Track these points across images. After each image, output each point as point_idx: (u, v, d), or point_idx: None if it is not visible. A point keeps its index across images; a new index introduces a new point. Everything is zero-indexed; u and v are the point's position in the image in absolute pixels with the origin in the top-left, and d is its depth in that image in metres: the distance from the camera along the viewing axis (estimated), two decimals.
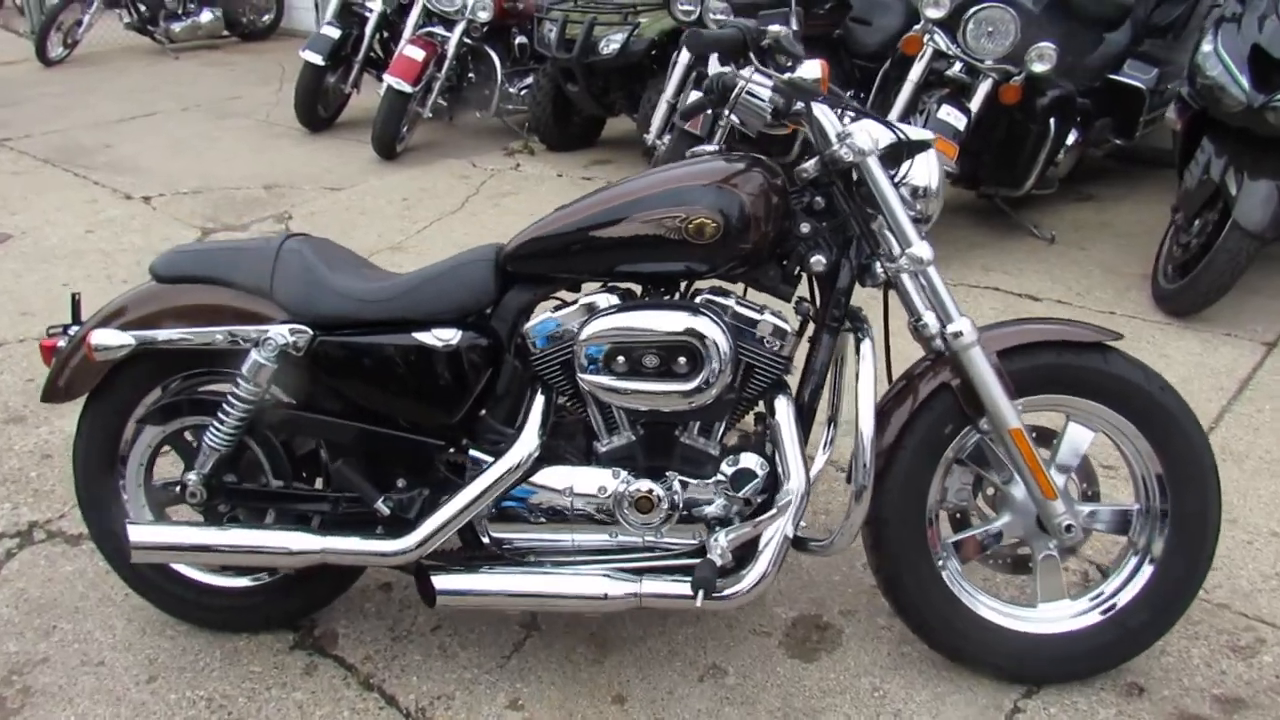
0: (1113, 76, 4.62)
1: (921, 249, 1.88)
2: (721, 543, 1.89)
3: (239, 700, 2.09)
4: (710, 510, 1.98)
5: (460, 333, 1.97)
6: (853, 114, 1.92)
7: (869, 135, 1.87)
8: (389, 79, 5.64)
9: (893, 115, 4.09)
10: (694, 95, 4.47)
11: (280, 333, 1.96)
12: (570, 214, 1.96)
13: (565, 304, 2.01)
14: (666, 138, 4.66)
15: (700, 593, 1.82)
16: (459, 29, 5.75)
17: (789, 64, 1.98)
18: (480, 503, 1.95)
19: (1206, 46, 3.45)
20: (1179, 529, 1.99)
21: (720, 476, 1.96)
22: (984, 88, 4.07)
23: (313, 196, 5.36)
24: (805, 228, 1.95)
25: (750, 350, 1.93)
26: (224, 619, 2.24)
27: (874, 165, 1.87)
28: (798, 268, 1.98)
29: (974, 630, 2.04)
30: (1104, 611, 2.04)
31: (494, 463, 1.96)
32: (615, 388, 1.91)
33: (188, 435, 2.13)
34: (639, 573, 1.97)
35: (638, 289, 2.03)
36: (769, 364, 1.95)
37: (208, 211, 5.14)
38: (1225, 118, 3.41)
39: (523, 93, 6.25)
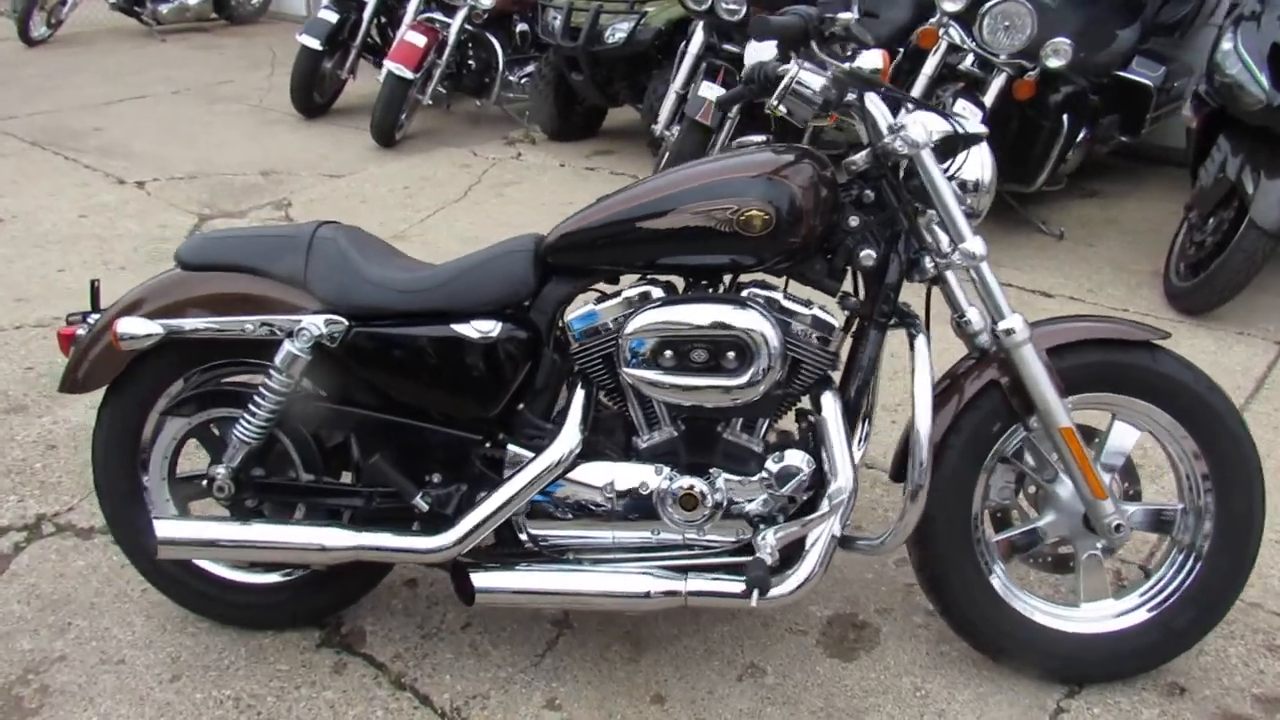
0: (1120, 74, 4.62)
1: (975, 244, 1.85)
2: (770, 541, 1.86)
3: (267, 700, 2.04)
4: (753, 508, 1.94)
5: (499, 325, 1.93)
6: (909, 105, 1.88)
7: (923, 127, 1.83)
8: (390, 65, 5.55)
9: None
10: (705, 86, 4.42)
11: (315, 323, 1.90)
12: (615, 205, 1.91)
13: (605, 296, 1.97)
14: (675, 128, 4.60)
15: (755, 592, 1.79)
16: (461, 15, 5.67)
17: (849, 52, 1.94)
18: (520, 499, 1.91)
19: (1226, 45, 3.44)
20: (1224, 529, 1.98)
21: (765, 473, 1.93)
22: (998, 82, 4.05)
23: (311, 183, 5.27)
24: (853, 221, 1.91)
25: (798, 345, 1.89)
26: (249, 616, 2.19)
27: (928, 158, 1.84)
28: (844, 262, 1.95)
29: (1019, 630, 2.02)
30: (1150, 610, 2.02)
31: (535, 458, 1.92)
32: (661, 382, 1.87)
33: (214, 428, 2.07)
34: (682, 571, 1.93)
35: (679, 281, 1.99)
36: (816, 360, 1.91)
37: (204, 197, 5.04)
38: (1244, 116, 3.40)
39: (523, 81, 6.18)
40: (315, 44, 5.97)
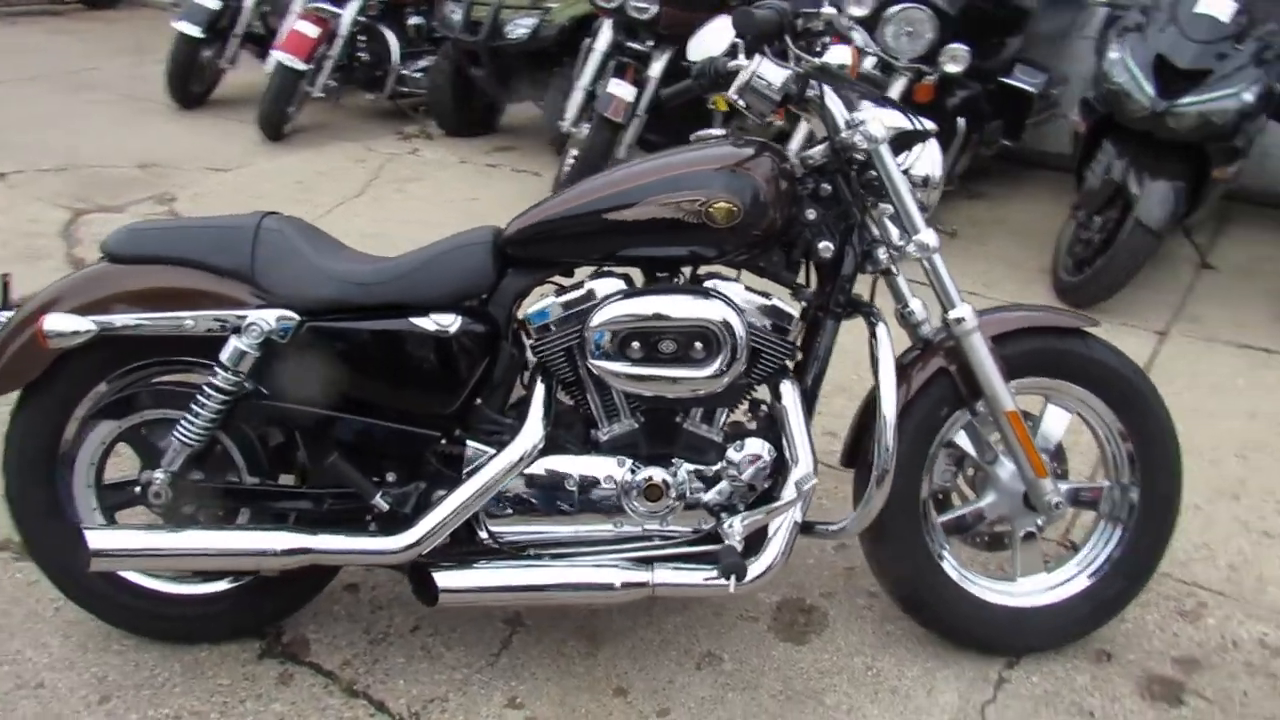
0: (1005, 80, 4.85)
1: (928, 236, 1.92)
2: (738, 528, 1.88)
3: (210, 716, 1.94)
4: (714, 497, 1.96)
5: (458, 318, 1.89)
6: (871, 101, 1.93)
7: (881, 123, 1.89)
8: (279, 55, 5.35)
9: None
10: (614, 83, 4.42)
11: (264, 318, 1.82)
12: (578, 197, 1.90)
13: (563, 289, 1.96)
14: (583, 125, 4.59)
15: (733, 578, 1.80)
16: (353, 6, 5.51)
17: (818, 48, 1.97)
18: (484, 496, 1.87)
19: (1114, 54, 3.66)
20: (1148, 504, 2.11)
21: (727, 463, 1.95)
22: (898, 86, 4.19)
23: (196, 177, 5.02)
24: (811, 214, 1.95)
25: (759, 336, 1.92)
26: (185, 630, 2.07)
27: (886, 153, 1.89)
28: (801, 254, 1.99)
29: (967, 607, 2.10)
30: (1084, 581, 2.13)
31: (496, 454, 1.89)
32: (627, 374, 1.86)
33: (145, 431, 1.95)
34: (647, 562, 1.93)
35: (635, 273, 1.99)
36: (776, 349, 1.95)
37: (76, 191, 4.75)
38: (1130, 122, 3.63)
39: (417, 75, 6.04)
40: (194, 31, 5.71)
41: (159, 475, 1.89)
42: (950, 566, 2.11)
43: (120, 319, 1.82)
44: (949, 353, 2.01)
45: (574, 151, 4.71)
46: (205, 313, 1.84)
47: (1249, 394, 3.35)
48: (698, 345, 1.85)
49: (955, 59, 3.98)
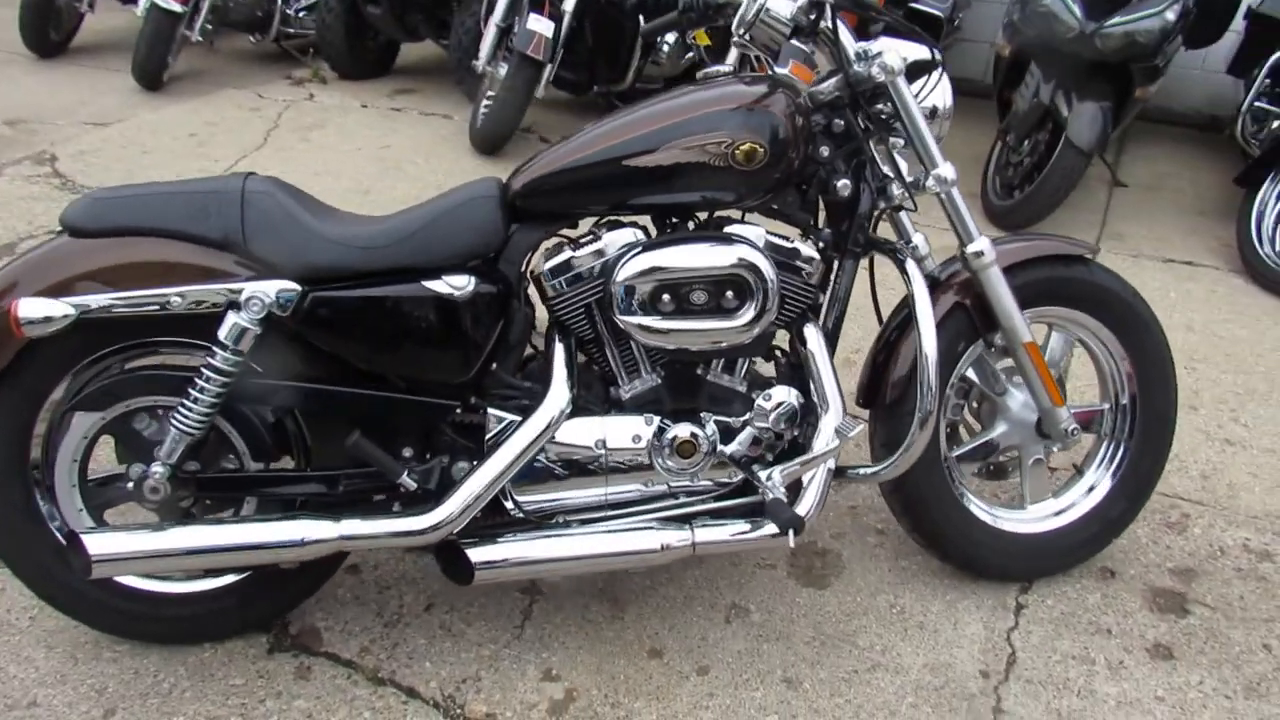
0: (913, 5, 4.86)
1: (947, 169, 1.89)
2: (777, 480, 1.83)
3: None
4: (743, 449, 1.91)
5: (472, 279, 1.76)
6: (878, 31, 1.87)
7: (898, 54, 1.83)
8: None
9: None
10: (533, 19, 4.22)
11: (264, 290, 1.66)
12: (593, 143, 1.79)
13: (576, 242, 1.85)
14: (504, 68, 4.38)
15: (791, 532, 1.76)
16: None
17: None
18: (516, 466, 1.77)
19: None
20: (1148, 422, 2.17)
21: (755, 412, 1.90)
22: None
23: (74, 134, 4.60)
24: (824, 151, 1.89)
25: (785, 281, 1.86)
26: (189, 630, 1.91)
27: (903, 85, 1.84)
28: (817, 193, 1.93)
29: (985, 538, 2.13)
30: (1090, 503, 2.19)
31: (524, 421, 1.79)
32: (659, 328, 1.78)
33: (131, 421, 1.77)
34: (685, 520, 1.88)
35: (645, 221, 1.90)
36: (801, 294, 1.90)
37: None
38: (1058, 44, 3.68)
39: (301, 15, 5.67)
40: None
41: (157, 468, 1.72)
42: (968, 499, 2.13)
43: (98, 300, 1.63)
44: (961, 287, 2.01)
45: (491, 92, 4.50)
46: (195, 287, 1.66)
47: (1182, 307, 3.50)
48: (729, 294, 1.78)
49: None
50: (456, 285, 1.75)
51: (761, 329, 1.82)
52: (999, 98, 4.25)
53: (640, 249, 1.78)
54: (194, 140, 4.60)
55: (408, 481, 1.77)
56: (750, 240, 1.81)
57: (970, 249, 1.94)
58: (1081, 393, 2.81)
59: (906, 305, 2.06)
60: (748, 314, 1.79)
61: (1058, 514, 2.20)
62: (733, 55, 4.16)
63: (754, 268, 1.77)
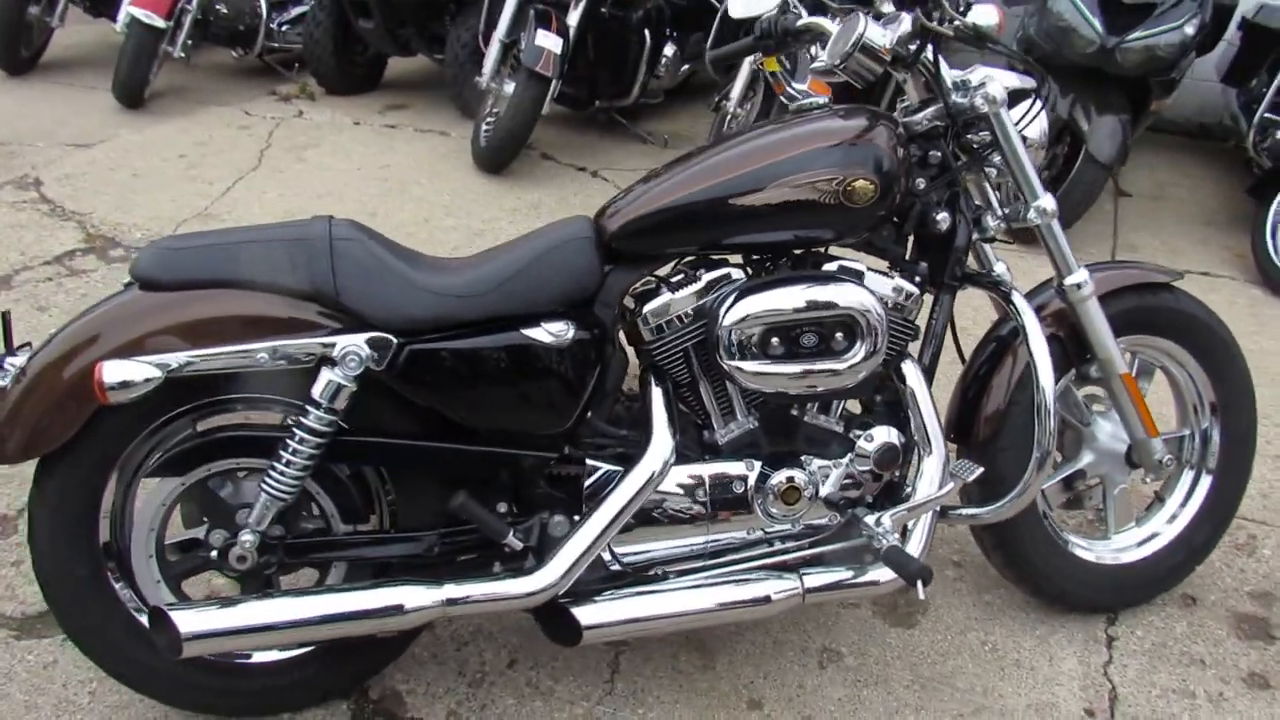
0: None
1: (1047, 200, 1.85)
2: (887, 524, 1.78)
3: None
4: (844, 491, 1.85)
5: (571, 325, 1.68)
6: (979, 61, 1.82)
7: (1000, 84, 1.79)
8: (135, 11, 4.73)
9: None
10: (540, 34, 4.12)
11: (358, 345, 1.56)
12: (692, 181, 1.72)
13: (675, 283, 1.77)
14: (509, 85, 4.28)
15: (920, 583, 1.69)
16: None
17: (961, 7, 1.82)
18: (621, 519, 1.69)
19: None
20: (1231, 447, 2.15)
21: (856, 454, 1.84)
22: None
23: (56, 155, 4.41)
24: (920, 184, 1.84)
25: (890, 318, 1.80)
26: (266, 702, 1.80)
27: (1006, 116, 1.80)
28: (914, 227, 1.88)
29: (1073, 570, 2.09)
30: (1174, 531, 2.16)
31: (629, 471, 1.71)
32: (770, 372, 1.71)
33: (212, 485, 1.66)
34: (790, 568, 1.81)
35: (735, 259, 1.83)
36: (903, 331, 1.84)
37: None
38: (1077, 58, 3.68)
39: (285, 29, 5.52)
40: None
41: (247, 536, 1.61)
42: (1058, 532, 2.09)
43: (182, 359, 1.51)
44: (1054, 318, 1.97)
45: (495, 108, 4.40)
46: (284, 343, 1.55)
47: None
48: (839, 335, 1.72)
49: None
50: (556, 332, 1.67)
51: (870, 369, 1.76)
52: None
53: (744, 290, 1.71)
54: (184, 162, 4.44)
55: (513, 541, 1.68)
56: (858, 279, 1.75)
57: (1070, 281, 1.89)
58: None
59: (994, 338, 2.03)
60: (858, 354, 1.73)
61: (1142, 544, 2.17)
62: (744, 73, 4.12)
63: (864, 308, 1.71)
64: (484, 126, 4.51)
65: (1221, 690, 2.00)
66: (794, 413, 1.86)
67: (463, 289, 1.65)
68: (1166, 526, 2.18)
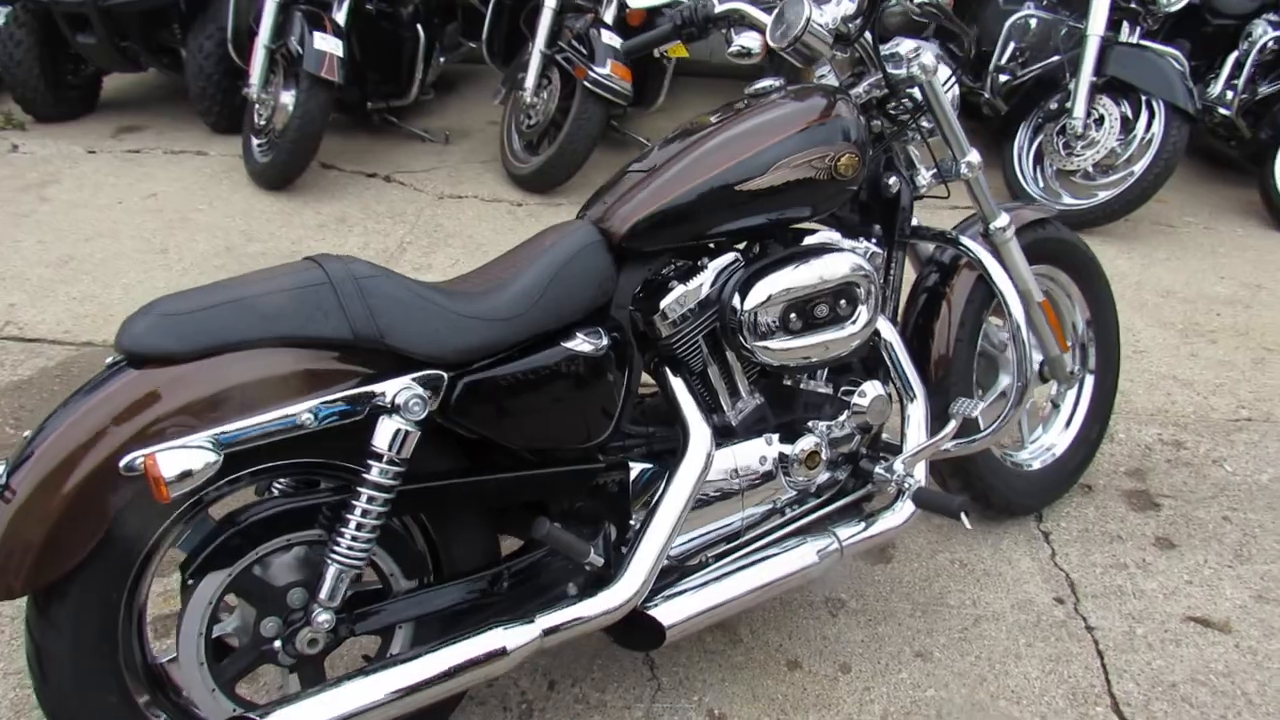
0: None
1: (974, 155, 2.04)
2: (900, 469, 1.92)
3: None
4: (846, 446, 1.97)
5: (602, 331, 1.66)
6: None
7: (929, 53, 1.94)
8: None
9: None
10: (319, 38, 3.85)
11: (414, 387, 1.45)
12: (693, 173, 1.73)
13: (682, 275, 1.79)
14: (286, 93, 3.97)
15: (964, 514, 1.83)
16: None
17: None
18: (683, 515, 1.70)
19: None
20: (1105, 353, 2.49)
21: (852, 411, 1.95)
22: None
23: None
24: (870, 153, 1.97)
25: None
26: None
27: (938, 82, 1.96)
28: (866, 194, 2.01)
29: (1017, 482, 2.35)
30: (1073, 432, 2.47)
31: (676, 469, 1.72)
32: (790, 347, 1.78)
33: (259, 570, 1.48)
34: (820, 527, 1.90)
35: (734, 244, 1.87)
36: (882, 291, 1.96)
37: None
38: None
39: None
40: None
41: (323, 615, 1.45)
42: (998, 450, 2.33)
43: (228, 431, 1.34)
44: (973, 262, 2.18)
45: (272, 121, 4.07)
46: (330, 399, 1.41)
47: None
48: (843, 302, 1.82)
49: None
50: (593, 340, 1.64)
51: (872, 328, 1.87)
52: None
53: (755, 273, 1.76)
54: None
55: (595, 559, 1.64)
56: (845, 247, 1.86)
57: (996, 225, 2.11)
58: None
59: (924, 289, 2.21)
60: (863, 316, 1.83)
61: (1051, 448, 2.47)
62: (536, 60, 4.11)
63: (863, 273, 1.82)
64: (257, 141, 4.17)
65: (1143, 557, 2.34)
66: (789, 383, 1.95)
67: (504, 311, 1.57)
68: (1066, 429, 2.49)
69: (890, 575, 2.25)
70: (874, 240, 2.01)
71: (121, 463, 1.30)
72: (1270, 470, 2.68)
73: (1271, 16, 4.57)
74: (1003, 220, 2.11)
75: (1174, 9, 4.12)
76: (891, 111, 2.02)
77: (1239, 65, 4.63)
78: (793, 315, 1.77)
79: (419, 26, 4.43)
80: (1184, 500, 2.54)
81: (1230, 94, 4.50)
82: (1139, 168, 4.01)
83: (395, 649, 1.62)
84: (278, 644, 1.47)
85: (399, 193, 4.26)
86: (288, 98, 4.00)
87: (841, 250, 1.82)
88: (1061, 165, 4.25)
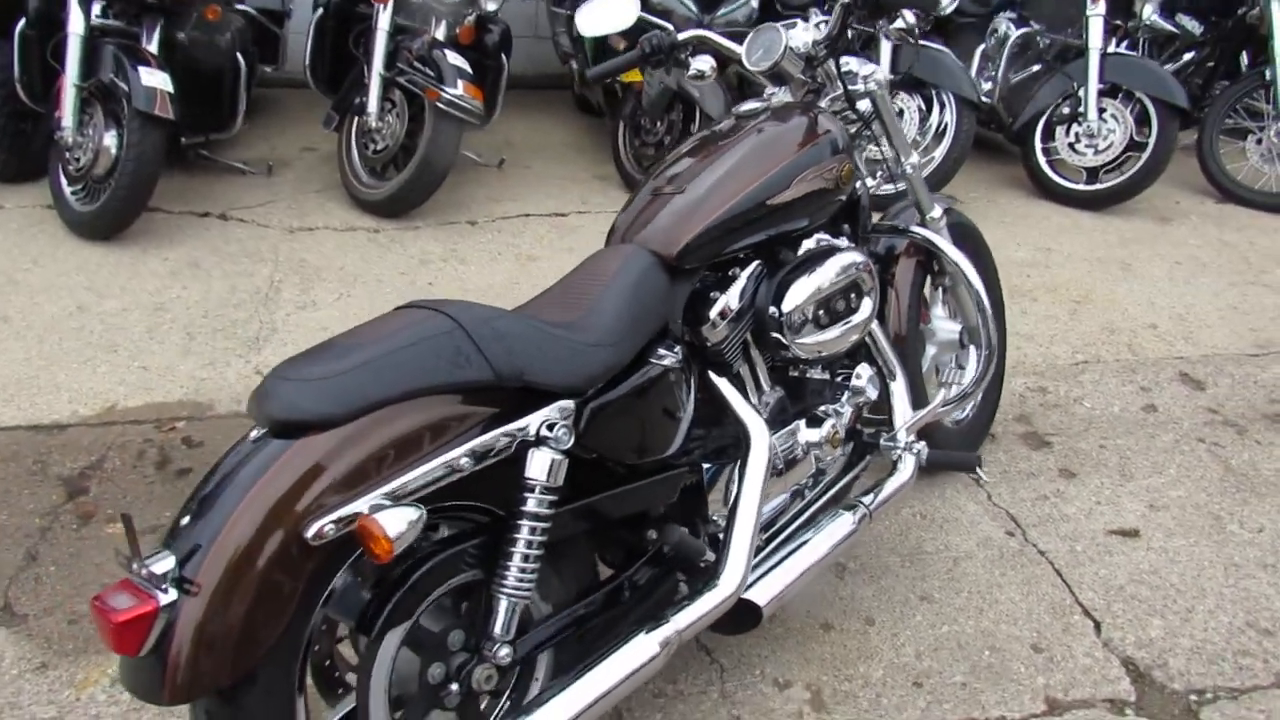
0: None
1: (916, 156, 2.33)
2: (903, 438, 2.17)
3: None
4: (849, 424, 2.20)
5: (672, 345, 1.79)
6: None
7: (882, 72, 2.21)
8: None
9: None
10: (145, 72, 3.58)
11: (553, 418, 1.52)
12: (727, 191, 1.88)
13: (719, 286, 1.93)
14: (109, 135, 3.66)
15: (979, 468, 2.10)
16: None
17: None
18: (761, 504, 1.85)
19: None
20: (998, 319, 2.87)
21: (852, 391, 2.18)
22: (442, 29, 4.20)
23: None
24: None
25: None
26: None
27: (888, 96, 2.23)
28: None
29: (951, 438, 2.68)
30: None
31: (744, 462, 1.87)
32: (827, 338, 1.98)
33: (424, 620, 1.49)
34: (837, 501, 2.13)
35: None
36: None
37: None
38: None
39: None
40: None
41: (503, 650, 1.48)
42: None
43: (406, 483, 1.36)
44: (911, 249, 2.48)
45: (92, 166, 3.74)
46: (480, 440, 1.44)
47: None
48: (853, 295, 2.04)
49: None
50: (671, 354, 1.76)
51: (874, 315, 2.11)
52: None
53: (788, 276, 1.94)
54: None
55: (710, 556, 1.76)
56: (845, 246, 2.08)
57: (933, 215, 2.41)
58: None
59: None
60: (868, 305, 2.06)
61: (965, 400, 2.83)
62: (376, 84, 4.04)
63: (866, 266, 2.04)
64: (71, 188, 3.83)
65: (1056, 487, 2.75)
66: (795, 374, 2.14)
67: (609, 336, 1.65)
68: (975, 385, 2.86)
69: (877, 535, 2.51)
70: (845, 238, 2.25)
71: (309, 532, 1.29)
72: (1118, 403, 3.20)
73: (1010, 14, 5.31)
74: (938, 211, 2.42)
75: (947, 12, 4.70)
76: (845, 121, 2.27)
77: (986, 57, 5.34)
78: (820, 311, 1.96)
79: (239, 55, 4.21)
80: (1066, 435, 2.99)
81: (989, 84, 5.18)
82: (939, 154, 4.55)
83: (539, 674, 1.66)
84: (455, 687, 1.49)
85: (243, 230, 4.05)
86: (110, 139, 3.70)
87: (843, 250, 2.04)
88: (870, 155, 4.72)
